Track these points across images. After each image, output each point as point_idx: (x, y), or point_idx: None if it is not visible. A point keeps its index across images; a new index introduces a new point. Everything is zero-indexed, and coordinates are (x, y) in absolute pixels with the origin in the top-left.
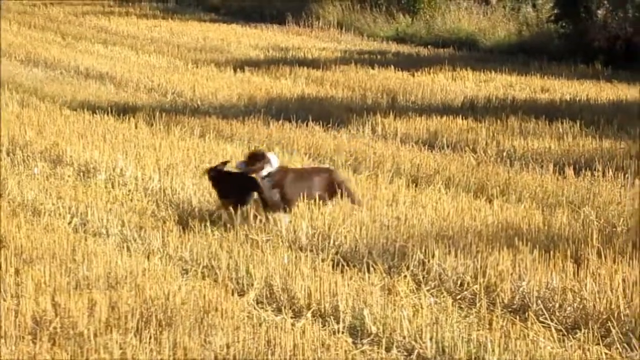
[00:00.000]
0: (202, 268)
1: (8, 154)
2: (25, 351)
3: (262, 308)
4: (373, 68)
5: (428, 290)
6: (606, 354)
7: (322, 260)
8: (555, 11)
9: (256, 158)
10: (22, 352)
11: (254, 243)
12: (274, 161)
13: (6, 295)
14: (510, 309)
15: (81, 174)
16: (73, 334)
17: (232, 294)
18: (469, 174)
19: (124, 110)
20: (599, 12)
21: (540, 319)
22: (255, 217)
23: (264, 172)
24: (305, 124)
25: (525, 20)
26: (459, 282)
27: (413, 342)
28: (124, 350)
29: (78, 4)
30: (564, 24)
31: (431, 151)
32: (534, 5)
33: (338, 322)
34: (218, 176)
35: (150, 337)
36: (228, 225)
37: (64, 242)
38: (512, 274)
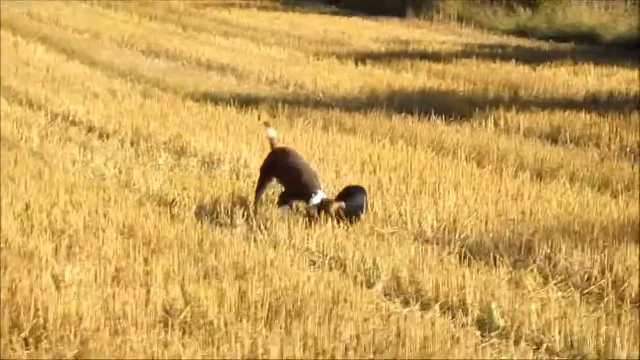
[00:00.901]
0: (329, 260)
1: (132, 145)
2: (157, 339)
3: (390, 300)
4: (494, 62)
5: (555, 285)
6: None
7: (449, 254)
8: None
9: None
10: (154, 340)
11: (380, 236)
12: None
13: (136, 284)
14: (638, 305)
15: (205, 165)
16: (204, 323)
17: (361, 286)
18: (593, 169)
19: (246, 102)
20: None
21: None
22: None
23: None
24: (427, 117)
25: None
26: (586, 277)
27: (542, 336)
28: (255, 340)
29: None
30: None
31: (555, 146)
32: None
33: (466, 315)
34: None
35: (280, 327)
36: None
37: (191, 233)
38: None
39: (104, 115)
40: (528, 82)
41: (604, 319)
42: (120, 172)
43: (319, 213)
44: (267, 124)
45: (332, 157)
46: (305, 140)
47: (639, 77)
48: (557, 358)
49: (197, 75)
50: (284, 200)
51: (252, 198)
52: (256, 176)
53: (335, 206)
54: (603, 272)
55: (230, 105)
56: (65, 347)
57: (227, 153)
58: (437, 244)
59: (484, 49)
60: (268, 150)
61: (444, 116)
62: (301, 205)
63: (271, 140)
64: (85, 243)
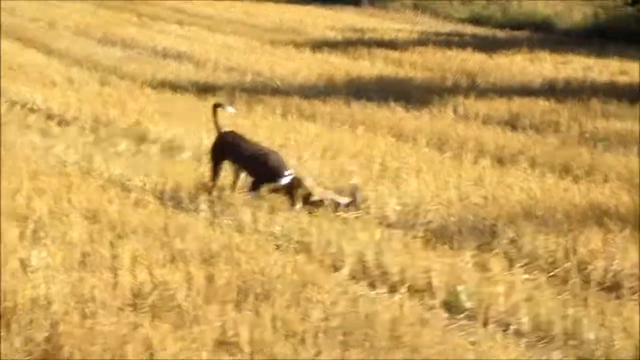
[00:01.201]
0: (294, 243)
1: (92, 131)
2: (126, 322)
3: (357, 283)
4: (450, 50)
5: (520, 268)
6: None
7: (413, 238)
8: None
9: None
10: (123, 323)
11: (344, 220)
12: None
13: (103, 268)
14: (603, 287)
15: (166, 151)
16: (172, 306)
17: (327, 269)
18: (553, 155)
19: (204, 89)
20: None
21: (634, 296)
22: None
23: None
24: (386, 104)
25: (601, 3)
26: (551, 260)
27: (509, 318)
28: (224, 322)
29: None
30: None
31: (514, 132)
32: None
33: (433, 298)
34: None
35: (249, 310)
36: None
37: (156, 217)
38: (603, 253)
39: (63, 102)
40: (485, 69)
41: (570, 300)
42: (82, 159)
43: (289, 192)
44: (219, 105)
45: (292, 143)
46: (265, 127)
47: (594, 64)
48: (525, 339)
49: (153, 63)
50: (255, 187)
51: (209, 184)
52: None
53: (308, 184)
54: (567, 255)
55: (188, 92)
56: (35, 331)
57: (187, 139)
58: (401, 228)
59: (440, 36)
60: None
61: (402, 103)
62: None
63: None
64: (51, 228)
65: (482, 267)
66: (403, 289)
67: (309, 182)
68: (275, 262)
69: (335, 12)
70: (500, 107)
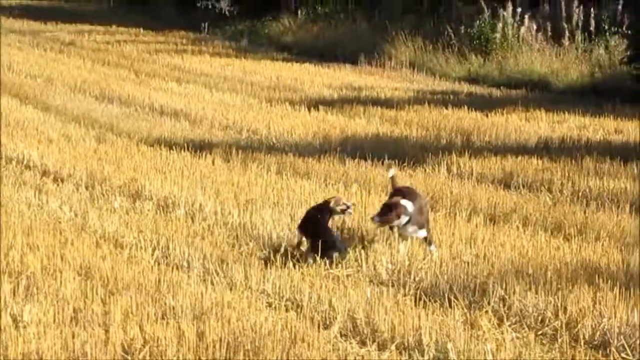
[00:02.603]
0: (286, 301)
1: (87, 188)
2: None
3: (347, 340)
4: (446, 108)
5: (510, 326)
6: None
7: (404, 295)
8: (628, 53)
9: (390, 208)
10: None
11: (335, 278)
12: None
13: (94, 324)
14: (591, 345)
15: (161, 208)
16: None
17: (317, 326)
18: (546, 213)
19: (200, 147)
20: None
21: (622, 355)
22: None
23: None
24: (381, 162)
25: (597, 61)
26: (540, 318)
27: None
28: None
29: (151, 42)
30: (637, 66)
31: (507, 190)
32: (606, 47)
33: (422, 355)
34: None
35: None
36: (309, 260)
37: (148, 274)
38: (592, 311)
39: (58, 159)
40: (480, 128)
41: (558, 359)
42: (76, 215)
43: None
44: (389, 166)
45: (286, 200)
46: (259, 184)
47: (589, 123)
48: None
49: (150, 120)
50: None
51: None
52: (210, 219)
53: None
54: (556, 314)
55: (184, 150)
56: None
57: (181, 197)
58: (392, 286)
59: (436, 95)
60: (229, 195)
61: (397, 161)
62: None
63: (392, 180)
64: (43, 284)
65: (472, 324)
66: (393, 347)
67: None
68: (266, 319)
69: (332, 70)
70: (494, 165)
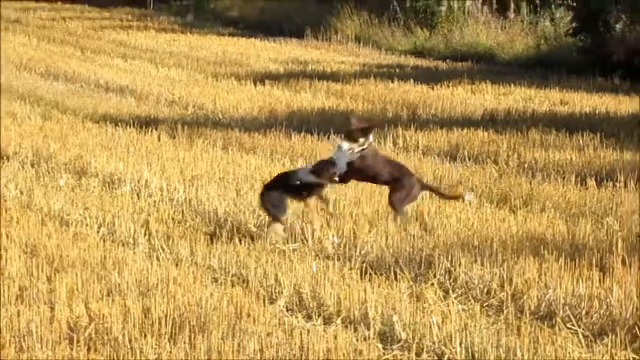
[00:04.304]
0: (232, 276)
1: (32, 166)
2: (62, 355)
3: (293, 315)
4: (392, 81)
5: (455, 298)
6: (634, 358)
7: (350, 269)
8: (574, 25)
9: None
10: (59, 356)
11: (281, 252)
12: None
13: (40, 302)
14: (537, 316)
15: (106, 185)
16: (108, 339)
17: (263, 301)
18: (492, 185)
19: (146, 123)
20: (618, 25)
21: (568, 325)
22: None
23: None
24: (326, 136)
25: (543, 34)
26: (485, 290)
27: (443, 348)
28: (159, 355)
29: (97, 19)
30: (582, 38)
31: (453, 163)
32: (552, 19)
33: (368, 329)
34: None
35: (184, 342)
36: (255, 235)
37: (94, 251)
38: (538, 282)
39: (4, 137)
40: (426, 101)
41: (504, 330)
42: (22, 193)
43: None
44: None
45: (232, 176)
46: (205, 160)
47: (535, 94)
48: None
49: (95, 96)
50: None
51: None
52: (156, 195)
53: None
54: (502, 285)
55: (130, 126)
56: None
57: (127, 173)
58: (338, 260)
59: (382, 68)
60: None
61: (343, 135)
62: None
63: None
64: None
65: (418, 297)
66: (339, 320)
67: None
68: (212, 295)
69: (279, 45)
70: (440, 138)
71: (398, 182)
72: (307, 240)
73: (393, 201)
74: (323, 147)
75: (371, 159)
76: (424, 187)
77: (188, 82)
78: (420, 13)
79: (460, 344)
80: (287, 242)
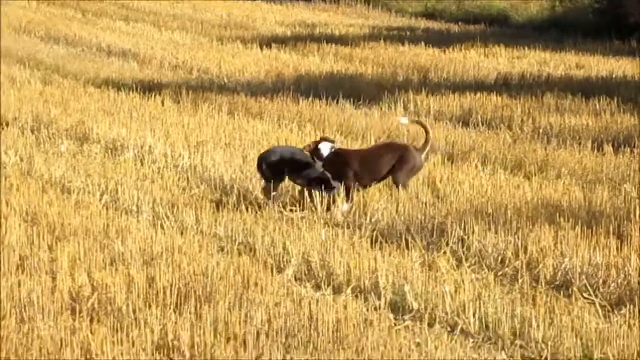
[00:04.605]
0: (238, 245)
1: (33, 132)
2: (64, 326)
3: (301, 284)
4: (403, 45)
5: (469, 267)
6: None
7: (360, 237)
8: None
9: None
10: (61, 327)
11: (289, 220)
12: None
13: (41, 271)
14: (553, 286)
15: (109, 151)
16: (111, 310)
17: (271, 270)
18: (506, 151)
19: (149, 88)
20: None
21: (584, 295)
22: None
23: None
24: (335, 101)
25: None
26: (499, 259)
27: (456, 318)
28: (164, 325)
29: None
30: None
31: (466, 128)
32: None
33: (379, 298)
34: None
35: (190, 313)
36: (262, 202)
37: (96, 219)
38: (554, 251)
39: (3, 102)
40: (437, 64)
41: (519, 300)
42: (22, 160)
43: None
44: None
45: (238, 142)
46: (210, 125)
47: (550, 58)
48: (471, 339)
49: (97, 60)
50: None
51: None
52: (160, 161)
53: None
54: (517, 254)
55: (133, 91)
56: None
57: (130, 139)
58: (348, 228)
59: (392, 31)
60: (179, 137)
61: (352, 100)
62: None
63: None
64: None
65: (430, 266)
66: (348, 290)
67: None
68: (218, 264)
69: (286, 7)
70: (452, 102)
71: (400, 161)
72: (315, 208)
73: (397, 178)
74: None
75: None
76: (423, 148)
77: (192, 45)
78: None
79: (474, 314)
80: (296, 209)
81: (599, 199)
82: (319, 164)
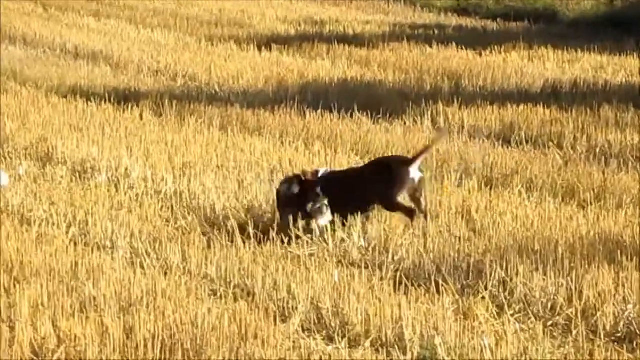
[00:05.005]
0: (234, 288)
1: None
2: None
3: (311, 336)
4: (430, 46)
5: (512, 315)
6: None
7: (381, 279)
8: None
9: None
10: None
11: (295, 258)
12: None
13: None
14: (614, 338)
15: (77, 174)
16: None
17: (274, 319)
18: (555, 175)
19: (125, 98)
20: None
21: None
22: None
23: None
24: (349, 114)
25: None
26: (549, 306)
27: None
28: None
29: None
30: None
31: (507, 147)
32: None
33: (404, 353)
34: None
35: None
36: (262, 237)
37: (63, 256)
38: (614, 296)
39: None
40: (472, 70)
41: (573, 355)
42: None
43: None
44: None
45: (233, 163)
46: (199, 143)
47: (607, 62)
48: None
49: (62, 65)
50: None
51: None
52: (138, 187)
53: None
54: (570, 300)
55: (106, 102)
56: None
57: (103, 160)
58: (366, 268)
59: (418, 30)
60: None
61: (369, 112)
62: None
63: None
64: None
65: (465, 314)
66: (367, 343)
67: None
68: (210, 311)
69: (289, 1)
70: (491, 116)
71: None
72: (327, 243)
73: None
74: None
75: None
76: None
77: (176, 46)
78: None
79: None
80: (302, 245)
81: None
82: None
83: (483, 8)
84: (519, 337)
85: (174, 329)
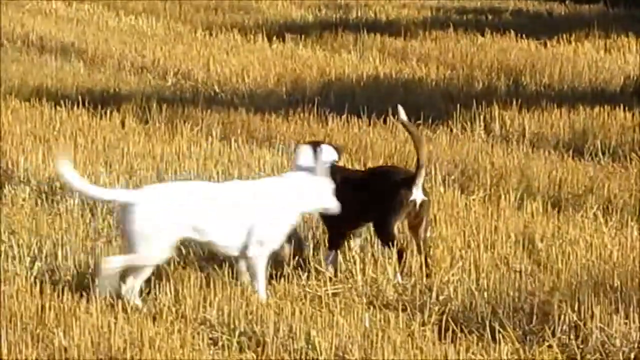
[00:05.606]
0: (239, 336)
1: None
2: None
3: None
4: (482, 34)
5: None
6: None
7: (422, 324)
8: None
9: None
10: None
11: (316, 299)
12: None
13: None
14: None
15: (43, 196)
16: None
17: None
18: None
19: (102, 101)
20: None
21: None
22: None
23: None
24: (382, 119)
25: None
26: (632, 356)
27: None
28: None
29: None
30: None
31: (579, 160)
32: None
33: None
34: None
35: None
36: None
37: (26, 298)
38: None
39: None
40: (535, 64)
41: None
42: None
43: None
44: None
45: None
46: (195, 157)
47: None
48: None
49: (24, 60)
50: None
51: None
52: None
53: None
54: None
55: (78, 106)
56: None
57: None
58: (404, 310)
59: (466, 14)
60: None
61: (407, 117)
62: None
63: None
64: None
65: None
66: None
67: None
68: None
69: None
70: (559, 122)
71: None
72: (355, 280)
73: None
74: None
75: None
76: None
77: (166, 37)
78: None
79: None
80: (324, 282)
81: None
82: None
83: None
84: None
85: None
